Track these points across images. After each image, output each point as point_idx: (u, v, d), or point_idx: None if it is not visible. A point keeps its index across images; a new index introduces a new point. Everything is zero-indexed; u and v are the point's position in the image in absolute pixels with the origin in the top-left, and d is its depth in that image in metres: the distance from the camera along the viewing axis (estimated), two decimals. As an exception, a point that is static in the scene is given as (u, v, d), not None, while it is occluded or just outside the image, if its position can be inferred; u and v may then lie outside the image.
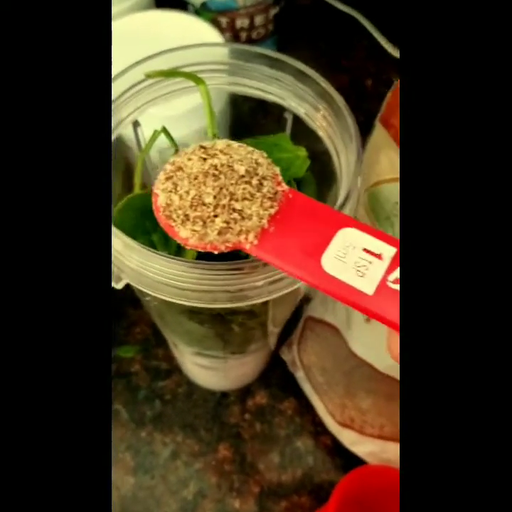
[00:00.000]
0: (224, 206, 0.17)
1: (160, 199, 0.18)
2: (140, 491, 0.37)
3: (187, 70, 0.24)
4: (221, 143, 0.18)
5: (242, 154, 0.18)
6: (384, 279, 0.16)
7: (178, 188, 0.18)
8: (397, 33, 0.57)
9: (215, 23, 0.49)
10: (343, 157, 0.21)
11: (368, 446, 0.34)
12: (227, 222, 0.17)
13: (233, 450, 0.38)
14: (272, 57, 0.23)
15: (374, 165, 0.26)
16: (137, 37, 0.38)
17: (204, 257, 0.24)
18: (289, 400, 0.40)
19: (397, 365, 0.16)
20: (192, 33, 0.39)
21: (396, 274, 0.16)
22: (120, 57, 0.36)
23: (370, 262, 0.16)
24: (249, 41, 0.51)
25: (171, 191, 0.18)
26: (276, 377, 0.40)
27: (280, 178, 0.19)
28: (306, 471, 0.38)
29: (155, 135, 0.25)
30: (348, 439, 0.35)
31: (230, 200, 0.17)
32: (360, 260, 0.17)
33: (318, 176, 0.26)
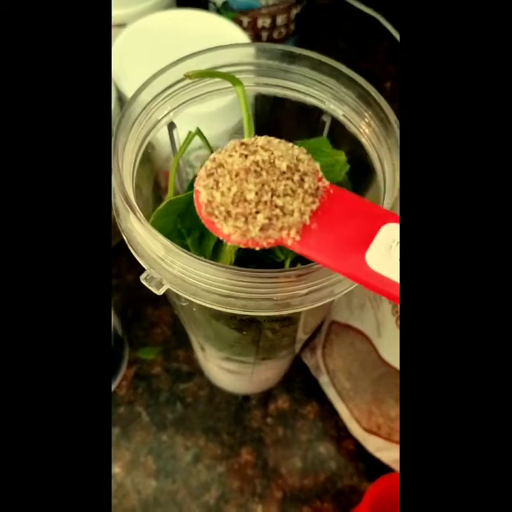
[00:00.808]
0: (266, 202, 0.17)
1: (201, 196, 0.18)
2: (162, 495, 0.37)
3: (222, 70, 0.24)
4: (261, 139, 0.18)
5: (283, 150, 0.18)
6: None
7: (220, 185, 0.18)
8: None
9: (237, 22, 0.48)
10: (387, 162, 0.21)
11: (395, 453, 0.34)
12: (269, 219, 0.17)
13: (255, 454, 0.38)
14: (313, 59, 0.22)
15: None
16: (161, 36, 0.38)
17: (241, 261, 0.23)
18: (312, 404, 0.39)
19: None
20: (216, 32, 0.38)
21: None
22: (145, 57, 0.36)
23: None
24: (270, 41, 0.50)
25: (212, 188, 0.18)
26: (299, 381, 0.40)
27: (321, 173, 0.18)
28: (328, 476, 0.38)
29: (189, 137, 0.24)
30: (374, 445, 0.35)
31: (272, 196, 0.17)
32: None
33: (351, 179, 0.26)
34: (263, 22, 0.49)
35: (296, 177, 0.18)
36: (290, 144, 0.19)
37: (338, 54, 0.59)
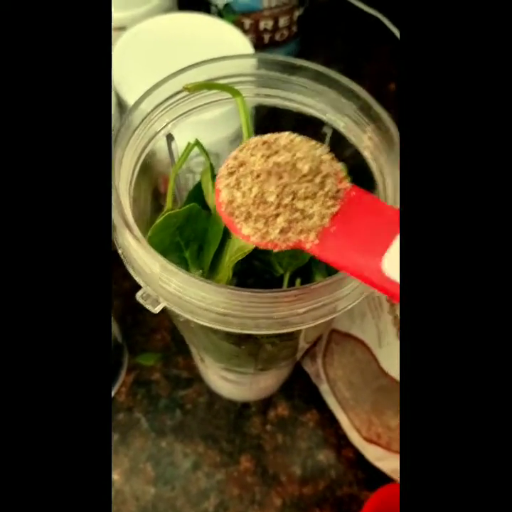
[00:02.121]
0: (286, 205, 0.17)
1: (222, 195, 0.18)
2: (160, 502, 0.36)
3: (222, 81, 0.24)
4: (284, 137, 0.18)
5: (305, 151, 0.18)
6: None
7: (241, 185, 0.18)
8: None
9: (238, 24, 0.48)
10: (389, 175, 0.20)
11: (394, 463, 0.34)
12: (289, 222, 0.17)
13: (255, 462, 0.38)
14: (313, 70, 0.22)
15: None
16: (162, 40, 0.37)
17: (238, 275, 0.23)
18: (312, 411, 0.39)
19: None
20: (217, 36, 0.38)
21: None
22: (146, 61, 0.36)
23: None
24: (273, 43, 0.50)
25: (233, 187, 0.18)
26: (299, 388, 0.40)
27: (343, 174, 0.18)
28: (328, 484, 0.38)
29: (188, 148, 0.24)
30: (374, 454, 0.35)
31: (293, 199, 0.17)
32: None
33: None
34: (265, 24, 0.48)
35: (318, 179, 0.17)
36: (313, 143, 0.18)
37: (341, 55, 0.59)
